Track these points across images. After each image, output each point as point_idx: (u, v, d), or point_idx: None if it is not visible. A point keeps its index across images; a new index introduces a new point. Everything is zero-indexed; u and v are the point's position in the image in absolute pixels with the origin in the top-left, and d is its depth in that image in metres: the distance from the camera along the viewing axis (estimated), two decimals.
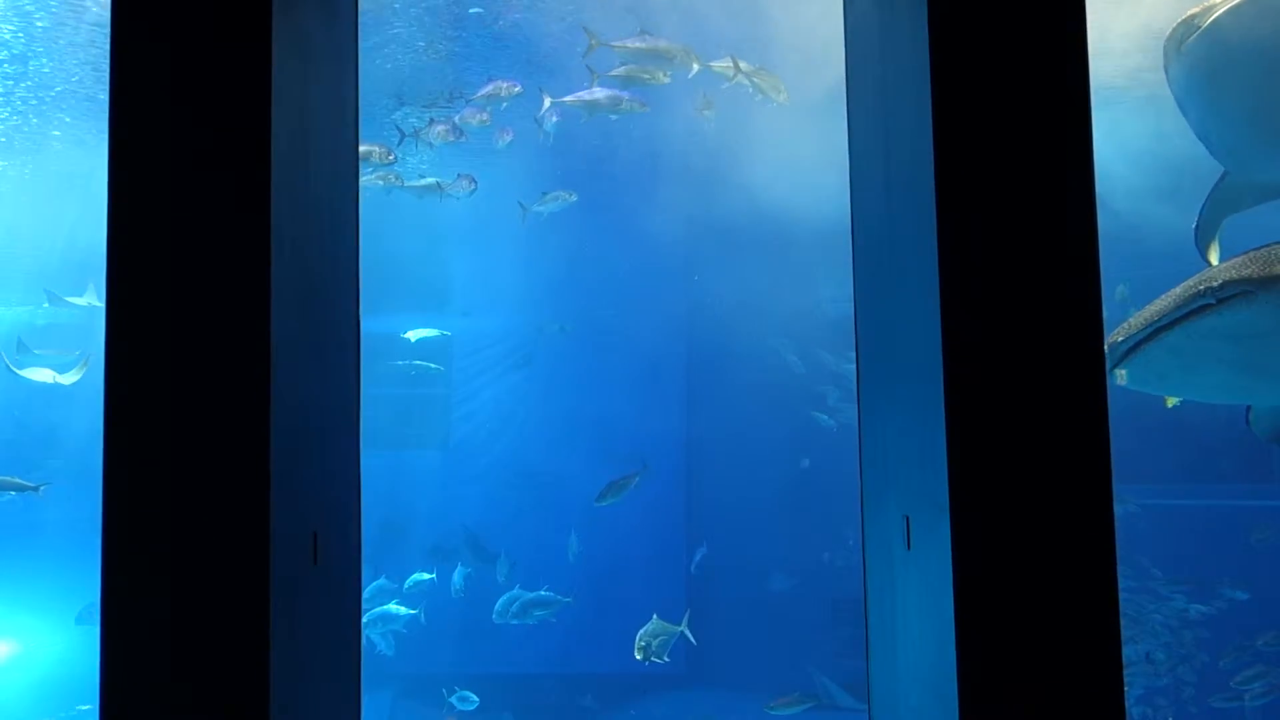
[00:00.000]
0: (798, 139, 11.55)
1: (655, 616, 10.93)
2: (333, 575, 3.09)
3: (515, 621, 12.31)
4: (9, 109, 11.67)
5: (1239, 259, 6.05)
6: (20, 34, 10.08)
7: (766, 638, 14.34)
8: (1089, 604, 2.61)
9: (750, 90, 10.80)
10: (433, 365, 15.61)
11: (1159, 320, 6.17)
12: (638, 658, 10.62)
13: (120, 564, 2.55)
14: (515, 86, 10.57)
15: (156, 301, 2.59)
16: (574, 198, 12.42)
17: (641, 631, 10.74)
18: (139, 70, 2.65)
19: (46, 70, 10.77)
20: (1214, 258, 8.07)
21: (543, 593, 12.54)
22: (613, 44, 9.99)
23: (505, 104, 10.73)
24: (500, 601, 12.35)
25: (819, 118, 10.60)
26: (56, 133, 12.11)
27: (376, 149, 11.14)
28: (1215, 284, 5.85)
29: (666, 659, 10.80)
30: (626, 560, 14.77)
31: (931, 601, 2.75)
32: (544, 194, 12.41)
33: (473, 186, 12.04)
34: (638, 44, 10.08)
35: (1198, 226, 8.08)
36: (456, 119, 11.09)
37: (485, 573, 13.87)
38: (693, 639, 11.38)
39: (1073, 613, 2.60)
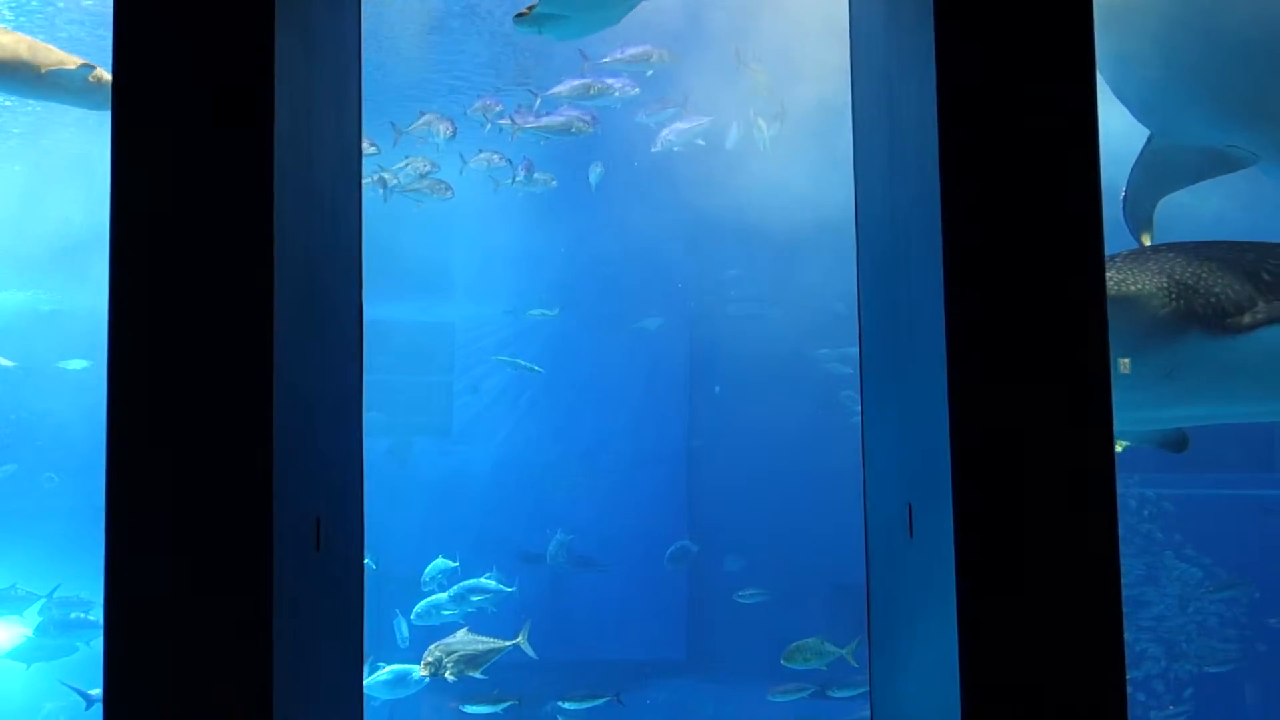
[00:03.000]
0: (803, 138, 11.55)
1: (465, 629, 10.26)
2: (335, 561, 3.09)
3: (450, 614, 11.58)
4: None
5: None
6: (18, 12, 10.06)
7: (767, 625, 14.36)
8: (1091, 591, 2.61)
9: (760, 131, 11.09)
10: (536, 367, 15.00)
11: None
12: (423, 674, 9.77)
13: (123, 550, 2.55)
14: (666, 54, 10.14)
15: (159, 288, 2.59)
16: (600, 168, 12.25)
17: (435, 644, 9.90)
18: (141, 55, 2.64)
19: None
20: (1146, 240, 7.84)
21: (482, 580, 11.95)
22: (752, 65, 10.77)
23: (651, 72, 10.28)
24: (422, 604, 11.49)
25: (823, 119, 10.60)
26: (57, 118, 12.10)
27: (444, 125, 10.70)
28: None
29: (480, 674, 9.97)
30: (629, 550, 14.78)
31: (933, 590, 2.75)
32: (590, 166, 12.16)
33: (517, 165, 11.57)
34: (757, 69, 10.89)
35: (1126, 198, 7.70)
36: (567, 87, 10.27)
37: (586, 579, 13.70)
38: (531, 653, 10.55)
39: (1075, 600, 2.60)
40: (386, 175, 11.48)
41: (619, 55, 10.20)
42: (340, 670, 3.19)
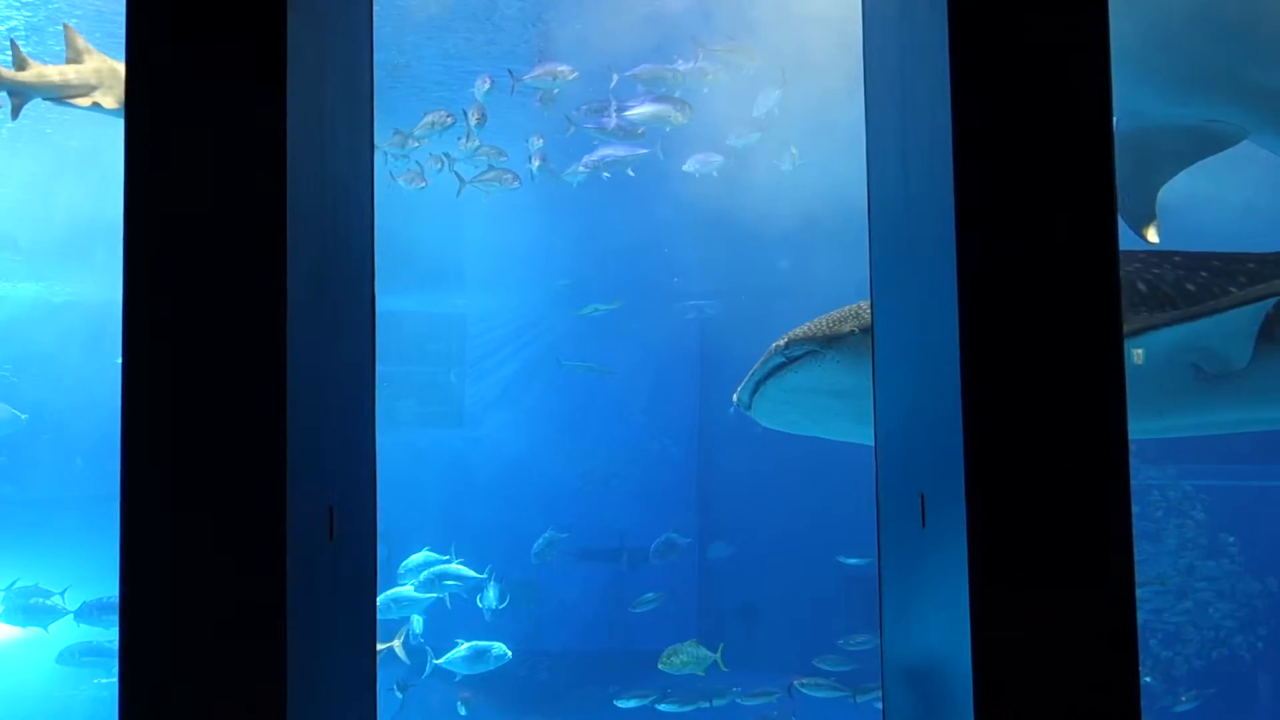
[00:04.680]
0: (815, 131, 11.50)
1: None
2: (348, 551, 3.10)
3: (413, 603, 11.46)
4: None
5: (826, 316, 6.16)
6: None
7: (777, 614, 14.38)
8: (1104, 581, 2.60)
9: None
10: (606, 371, 14.72)
11: (754, 373, 6.37)
12: None
13: (138, 539, 2.56)
14: (753, 54, 9.97)
15: (173, 279, 2.60)
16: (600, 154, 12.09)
17: None
18: (154, 47, 2.64)
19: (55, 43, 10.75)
20: (1153, 235, 7.52)
21: (454, 565, 11.82)
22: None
23: (751, 73, 10.08)
24: (381, 597, 11.33)
25: (836, 110, 10.55)
26: (65, 110, 12.09)
27: (473, 110, 10.09)
28: (783, 343, 6.15)
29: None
30: (641, 542, 14.80)
31: (946, 580, 2.75)
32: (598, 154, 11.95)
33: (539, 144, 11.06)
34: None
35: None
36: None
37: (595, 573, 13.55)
38: (405, 657, 10.55)
39: (1088, 590, 2.60)
40: (443, 158, 10.98)
41: (727, 45, 9.80)
42: (354, 659, 3.20)
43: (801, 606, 14.21)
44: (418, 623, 12.35)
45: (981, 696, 2.58)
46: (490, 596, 12.11)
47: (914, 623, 3.13)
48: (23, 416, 13.37)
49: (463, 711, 11.42)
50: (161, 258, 2.60)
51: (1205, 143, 7.28)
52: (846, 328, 5.99)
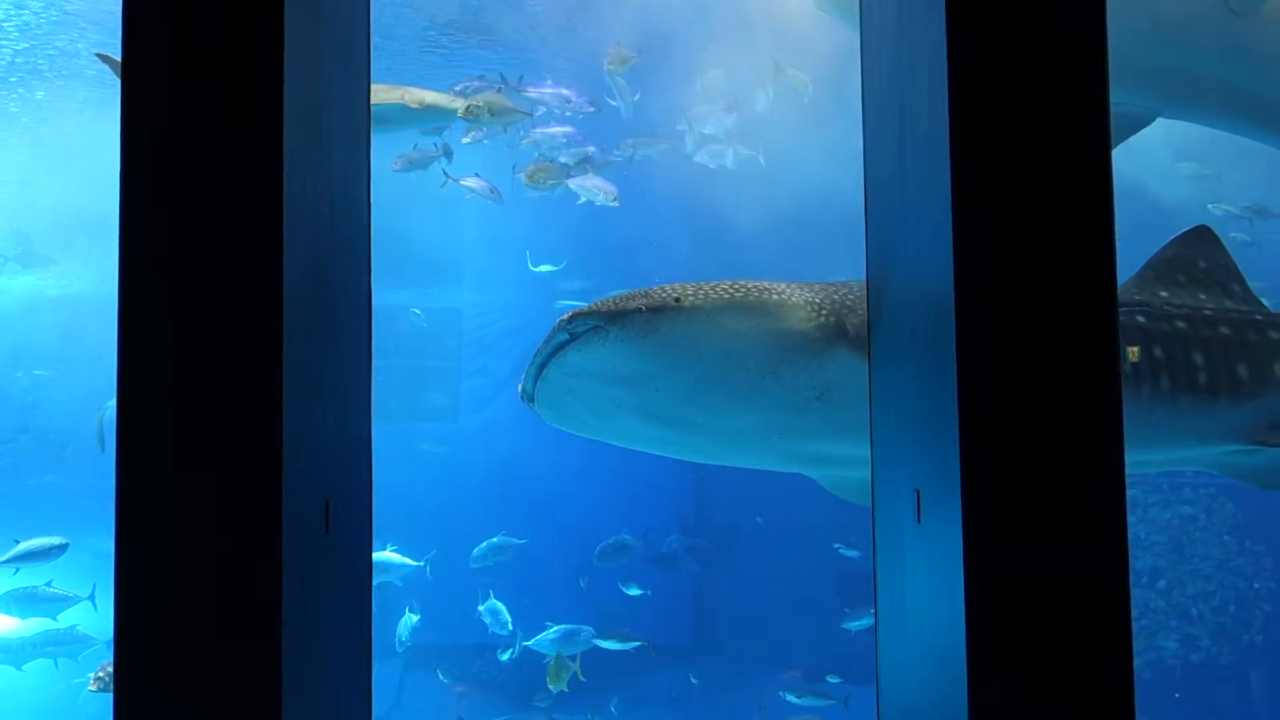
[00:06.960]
0: (813, 124, 11.50)
1: None
2: (344, 543, 3.11)
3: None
4: (10, 75, 11.66)
5: (618, 294, 5.73)
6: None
7: (771, 612, 14.40)
8: (1100, 580, 2.61)
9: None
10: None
11: (538, 354, 5.78)
12: (92, 689, 9.75)
13: (133, 531, 2.56)
14: (800, 74, 10.12)
15: (169, 272, 2.60)
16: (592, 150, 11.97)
17: (106, 661, 9.97)
18: (150, 40, 2.64)
19: (47, 40, 10.75)
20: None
21: (386, 553, 11.56)
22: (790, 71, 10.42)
23: (807, 97, 10.28)
24: None
25: (835, 103, 10.55)
26: (61, 104, 12.12)
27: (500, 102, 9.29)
28: (567, 318, 5.63)
29: None
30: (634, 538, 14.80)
31: (941, 576, 2.76)
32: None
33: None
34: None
35: None
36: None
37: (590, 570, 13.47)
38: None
39: (1084, 588, 2.61)
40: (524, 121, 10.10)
41: (795, 72, 10.01)
42: (349, 651, 3.21)
43: (797, 600, 14.23)
44: (405, 626, 12.34)
45: (976, 692, 2.58)
46: (500, 608, 11.97)
47: (909, 618, 3.13)
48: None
49: None
50: (157, 254, 2.60)
51: (1121, 126, 7.25)
52: (634, 304, 5.52)
